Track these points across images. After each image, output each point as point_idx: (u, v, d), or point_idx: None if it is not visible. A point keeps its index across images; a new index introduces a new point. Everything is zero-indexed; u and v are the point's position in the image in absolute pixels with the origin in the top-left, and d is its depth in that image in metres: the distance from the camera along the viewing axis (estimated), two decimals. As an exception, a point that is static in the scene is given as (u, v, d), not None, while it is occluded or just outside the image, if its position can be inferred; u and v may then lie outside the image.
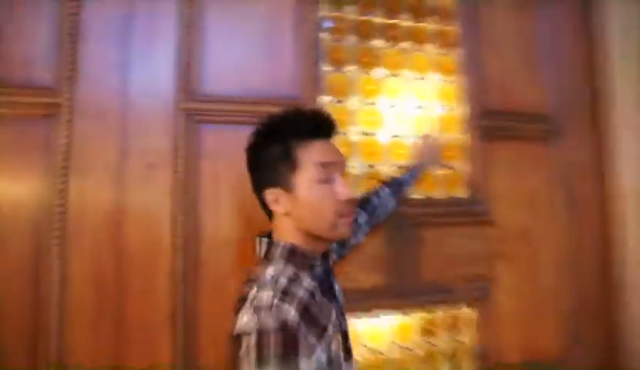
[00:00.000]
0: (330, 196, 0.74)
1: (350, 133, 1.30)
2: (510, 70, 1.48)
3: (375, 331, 1.28)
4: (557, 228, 1.48)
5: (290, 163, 0.74)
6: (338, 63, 1.31)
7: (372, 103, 1.33)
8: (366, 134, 1.31)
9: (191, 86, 1.17)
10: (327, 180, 0.74)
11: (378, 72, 1.35)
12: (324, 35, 1.30)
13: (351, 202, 0.76)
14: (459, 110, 1.42)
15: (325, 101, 1.28)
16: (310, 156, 0.74)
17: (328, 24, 1.31)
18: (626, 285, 1.46)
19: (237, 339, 0.64)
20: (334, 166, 0.76)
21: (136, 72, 1.14)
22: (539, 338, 1.43)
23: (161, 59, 1.17)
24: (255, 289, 0.69)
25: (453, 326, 1.36)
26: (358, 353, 1.24)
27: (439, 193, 1.38)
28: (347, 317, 0.86)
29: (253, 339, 0.61)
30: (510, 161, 1.44)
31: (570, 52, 1.56)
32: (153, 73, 1.16)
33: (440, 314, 1.34)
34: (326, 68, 1.29)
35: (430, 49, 1.42)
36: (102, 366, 1.04)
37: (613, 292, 1.48)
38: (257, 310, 0.64)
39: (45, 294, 1.03)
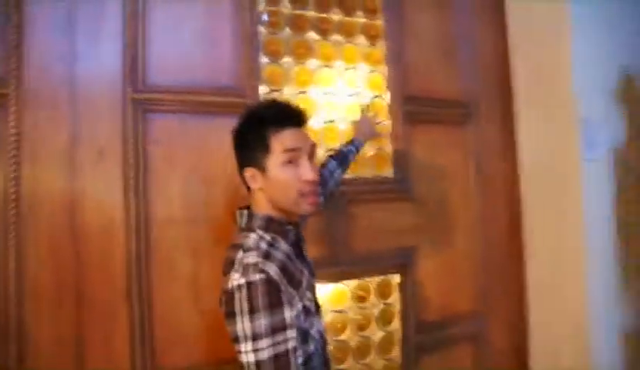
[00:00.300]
0: (293, 177, 0.89)
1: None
2: (429, 61, 1.71)
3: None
4: (471, 201, 1.75)
5: (264, 148, 0.90)
6: (275, 55, 1.46)
7: (306, 92, 1.50)
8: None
9: (138, 76, 1.27)
10: (292, 163, 0.90)
11: (312, 63, 1.52)
12: (261, 28, 1.44)
13: (311, 183, 0.91)
14: (385, 97, 1.63)
15: (263, 91, 1.43)
16: (279, 142, 0.89)
17: (265, 17, 1.46)
18: (527, 249, 1.79)
19: (230, 295, 0.79)
20: (299, 151, 0.91)
21: (84, 61, 1.22)
22: (455, 296, 1.71)
23: (108, 49, 1.26)
24: (241, 253, 0.84)
25: (382, 291, 1.60)
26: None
27: (367, 173, 1.58)
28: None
29: (244, 292, 0.77)
30: (429, 142, 1.68)
31: (482, 44, 1.81)
32: (100, 62, 1.25)
33: (370, 280, 1.58)
34: (264, 59, 1.44)
35: (359, 42, 1.61)
36: (63, 343, 1.16)
37: (517, 256, 1.79)
38: (245, 269, 0.80)
39: (3, 281, 1.11)
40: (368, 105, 1.58)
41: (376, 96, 1.62)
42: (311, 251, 1.44)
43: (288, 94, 1.47)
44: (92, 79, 1.24)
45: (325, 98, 1.54)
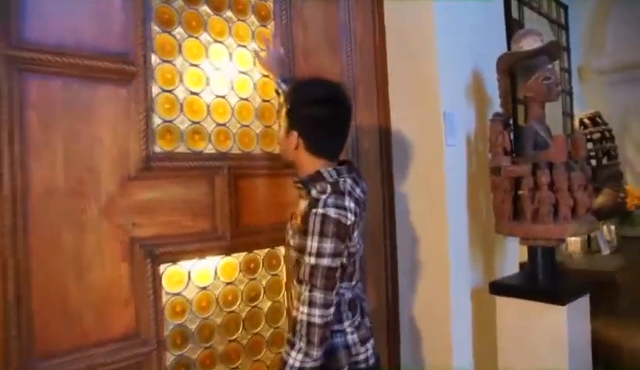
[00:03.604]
0: None
1: (177, 91, 1.49)
2: (314, 46, 1.86)
3: (202, 271, 1.53)
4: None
5: None
6: (168, 25, 1.47)
7: (198, 66, 1.55)
8: (192, 93, 1.52)
9: (11, 29, 1.19)
10: None
11: (205, 37, 1.57)
12: (153, -4, 1.45)
13: None
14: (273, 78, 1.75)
15: (154, 60, 1.45)
16: None
17: (156, -15, 1.47)
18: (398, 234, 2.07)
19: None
20: None
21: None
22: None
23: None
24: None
25: (270, 263, 1.72)
26: (188, 291, 1.50)
27: (256, 149, 1.69)
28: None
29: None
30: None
31: (363, 36, 2.02)
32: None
33: (259, 253, 1.69)
34: (155, 28, 1.45)
35: (251, 21, 1.70)
36: None
37: (390, 238, 2.06)
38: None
39: None
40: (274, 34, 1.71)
41: (265, 76, 1.72)
42: (203, 225, 1.53)
43: (179, 65, 1.50)
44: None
45: (217, 73, 1.59)
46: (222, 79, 1.61)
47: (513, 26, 2.49)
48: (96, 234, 1.30)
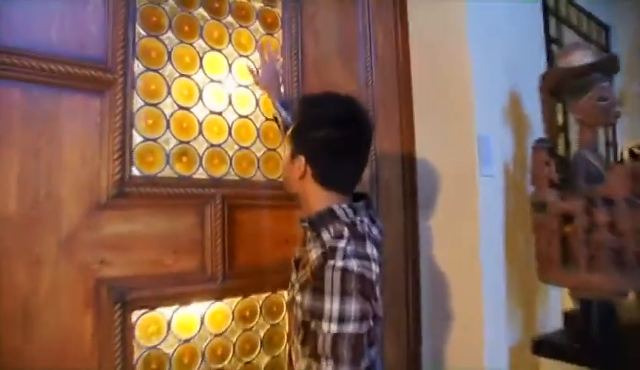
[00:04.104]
0: None
1: (163, 105, 1.27)
2: (327, 57, 1.63)
3: (186, 320, 1.28)
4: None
5: None
6: (155, 28, 1.27)
7: (190, 76, 1.34)
8: (181, 108, 1.30)
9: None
10: None
11: (199, 44, 1.36)
12: (139, -6, 1.25)
13: None
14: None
15: (137, 67, 1.24)
16: None
17: (143, -18, 1.27)
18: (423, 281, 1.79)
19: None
20: None
21: None
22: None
23: None
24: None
25: (269, 310, 1.45)
26: (167, 344, 1.24)
27: (257, 175, 1.45)
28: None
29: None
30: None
31: (384, 48, 1.81)
32: None
33: (257, 298, 1.43)
34: (140, 31, 1.24)
35: (255, 28, 1.49)
36: None
37: (413, 286, 1.79)
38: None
39: None
40: (267, 44, 1.48)
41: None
42: (188, 265, 1.28)
43: (168, 75, 1.29)
44: None
45: (212, 86, 1.38)
46: (218, 93, 1.39)
47: (550, 45, 2.25)
48: (52, 273, 1.07)
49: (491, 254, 1.61)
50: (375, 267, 0.92)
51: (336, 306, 0.87)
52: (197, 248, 1.28)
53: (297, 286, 1.02)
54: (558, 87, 1.61)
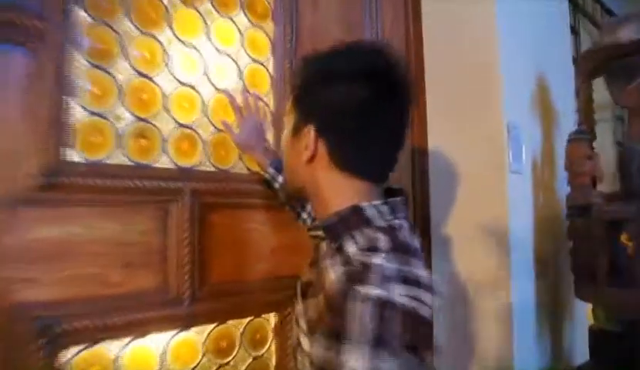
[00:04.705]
0: None
1: (115, 69, 0.96)
2: (325, 30, 1.34)
3: (141, 355, 0.96)
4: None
5: None
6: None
7: (154, 35, 1.02)
8: (140, 74, 0.99)
9: None
10: None
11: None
12: None
13: None
14: (268, 63, 1.23)
15: (82, 18, 0.92)
16: None
17: None
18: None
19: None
20: None
21: None
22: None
23: None
24: None
25: (252, 338, 1.15)
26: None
27: (236, 166, 1.15)
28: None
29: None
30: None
31: (392, 21, 1.52)
32: None
33: (236, 324, 1.12)
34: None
35: (239, 20, 1.18)
36: None
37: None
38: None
39: None
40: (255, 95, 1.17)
41: (258, 61, 1.20)
42: (145, 282, 0.97)
43: (123, 31, 0.97)
44: None
45: (183, 50, 1.06)
46: (190, 59, 1.08)
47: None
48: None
49: (522, 268, 1.34)
50: (430, 299, 0.60)
51: (366, 365, 0.53)
52: (157, 260, 0.97)
53: (303, 324, 0.71)
54: (600, 69, 1.35)
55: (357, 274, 0.59)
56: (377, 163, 0.72)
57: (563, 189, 1.53)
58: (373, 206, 0.67)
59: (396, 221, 0.67)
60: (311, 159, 0.71)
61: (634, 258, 1.17)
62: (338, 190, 0.70)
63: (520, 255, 1.34)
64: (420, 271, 0.61)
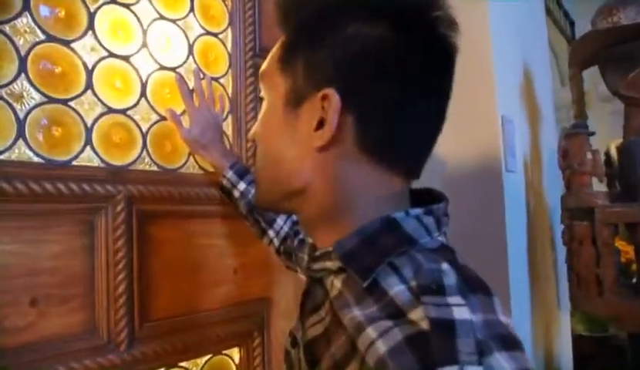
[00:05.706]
0: None
1: (15, 31, 0.68)
2: None
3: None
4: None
5: None
6: None
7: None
8: (52, 39, 0.72)
9: None
10: None
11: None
12: None
13: None
14: (226, 37, 1.00)
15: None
16: None
17: None
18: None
19: None
20: None
21: None
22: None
23: None
24: None
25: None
26: None
27: (187, 164, 0.91)
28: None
29: None
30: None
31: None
32: None
33: (188, 366, 0.88)
34: None
35: None
36: None
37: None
38: None
39: None
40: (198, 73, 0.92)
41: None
42: (64, 321, 0.71)
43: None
44: None
45: (114, 12, 0.81)
46: (124, 23, 0.82)
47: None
48: None
49: (519, 278, 1.19)
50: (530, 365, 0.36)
51: None
52: (80, 293, 0.71)
53: None
54: (597, 56, 1.23)
55: (436, 348, 0.33)
56: (419, 148, 0.49)
57: (553, 189, 1.40)
58: (413, 217, 0.44)
59: (444, 240, 0.46)
60: (329, 144, 0.45)
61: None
62: (367, 192, 0.46)
63: (517, 266, 1.18)
64: (505, 318, 0.38)
